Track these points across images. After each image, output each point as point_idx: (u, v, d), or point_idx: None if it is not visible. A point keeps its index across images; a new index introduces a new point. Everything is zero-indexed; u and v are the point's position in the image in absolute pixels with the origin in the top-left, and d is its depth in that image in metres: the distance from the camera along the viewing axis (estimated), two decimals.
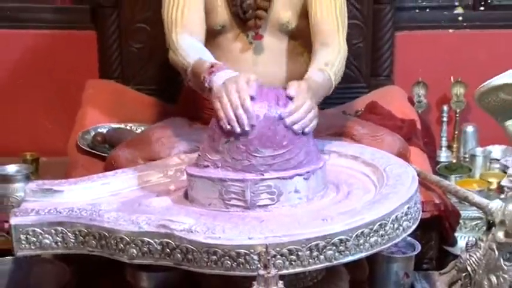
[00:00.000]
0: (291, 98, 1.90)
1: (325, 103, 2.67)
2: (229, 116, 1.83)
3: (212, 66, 1.98)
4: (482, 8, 3.09)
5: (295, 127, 1.86)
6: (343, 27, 2.30)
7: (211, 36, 2.35)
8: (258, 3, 2.31)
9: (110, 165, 2.22)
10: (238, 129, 1.83)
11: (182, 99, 2.56)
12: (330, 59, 2.19)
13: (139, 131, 2.57)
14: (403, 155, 2.27)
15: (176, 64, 2.18)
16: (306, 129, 1.88)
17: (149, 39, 2.90)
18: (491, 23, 3.08)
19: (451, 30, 3.09)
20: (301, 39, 2.38)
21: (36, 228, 1.84)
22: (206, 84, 1.96)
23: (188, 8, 2.25)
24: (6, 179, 2.64)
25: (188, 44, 2.18)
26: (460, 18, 3.09)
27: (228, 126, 1.83)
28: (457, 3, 3.11)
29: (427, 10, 3.11)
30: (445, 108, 3.07)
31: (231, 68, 2.02)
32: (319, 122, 2.29)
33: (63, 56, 3.07)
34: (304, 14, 2.33)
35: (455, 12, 3.10)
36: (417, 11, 3.10)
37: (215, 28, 2.34)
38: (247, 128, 1.83)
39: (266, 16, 2.32)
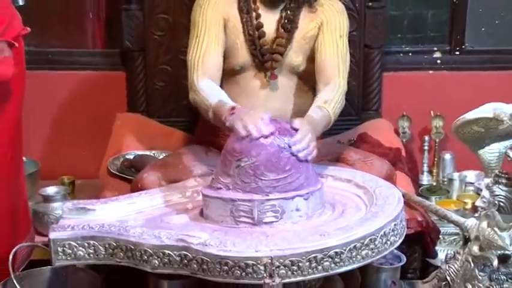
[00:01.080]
0: (296, 130, 1.92)
1: (324, 133, 2.70)
2: (248, 125, 1.86)
3: (233, 109, 2.00)
4: (457, 53, 3.10)
5: (300, 155, 1.87)
6: (344, 68, 2.31)
7: (231, 75, 2.36)
8: (274, 48, 2.33)
9: (136, 187, 2.21)
10: (255, 133, 1.84)
11: (199, 129, 2.56)
12: (330, 96, 2.20)
13: (161, 157, 2.57)
14: (390, 177, 2.27)
15: (197, 103, 2.20)
16: (309, 157, 1.89)
17: (170, 79, 2.91)
18: (465, 65, 3.09)
19: (430, 72, 3.09)
20: (308, 78, 2.39)
21: (71, 242, 1.85)
22: (228, 124, 1.97)
23: (209, 55, 2.26)
24: (46, 198, 2.67)
25: (208, 87, 2.19)
26: (439, 61, 3.10)
27: (247, 131, 1.85)
28: (435, 49, 3.12)
29: (410, 54, 3.12)
30: (426, 138, 3.07)
31: (247, 104, 2.06)
32: (318, 149, 2.32)
33: (96, 93, 3.08)
34: (311, 58, 2.35)
35: (434, 56, 3.10)
36: (401, 55, 3.10)
37: (235, 68, 2.35)
38: (265, 133, 1.85)
39: (281, 60, 2.33)
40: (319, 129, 2.09)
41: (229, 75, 2.35)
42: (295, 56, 2.35)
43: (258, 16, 2.33)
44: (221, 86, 2.29)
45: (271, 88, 2.36)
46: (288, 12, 2.32)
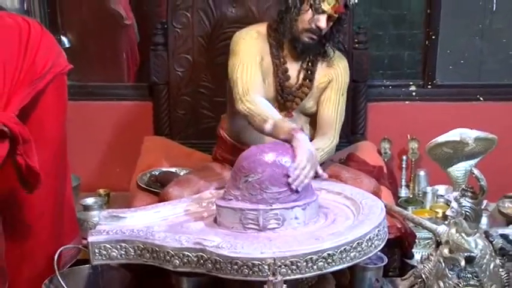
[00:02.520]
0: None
1: None
2: (300, 179, 1.85)
3: (301, 129, 2.00)
4: (429, 87, 3.09)
5: (295, 183, 1.85)
6: (339, 125, 2.35)
7: None
8: (297, 93, 2.33)
9: (163, 199, 2.21)
10: (296, 184, 1.84)
11: (216, 150, 2.53)
12: (322, 146, 2.25)
13: (182, 173, 2.56)
14: (376, 193, 2.26)
15: (252, 112, 2.11)
16: (299, 188, 1.86)
17: (190, 108, 2.91)
18: (436, 97, 3.08)
19: (407, 102, 3.09)
20: (310, 117, 2.41)
21: (106, 244, 1.85)
22: (293, 133, 1.93)
23: (256, 77, 2.21)
24: (86, 208, 2.67)
25: (265, 103, 2.15)
26: (414, 93, 3.09)
27: (294, 183, 1.84)
28: (411, 83, 3.11)
29: (390, 87, 3.11)
30: (404, 157, 3.06)
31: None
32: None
33: (128, 120, 3.09)
34: (318, 103, 2.37)
35: (410, 89, 3.10)
36: (383, 88, 3.10)
37: None
38: (299, 189, 1.85)
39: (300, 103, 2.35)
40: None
41: None
42: (308, 101, 2.36)
43: (285, 62, 2.32)
44: None
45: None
46: (309, 64, 2.33)
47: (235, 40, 2.30)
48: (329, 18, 2.19)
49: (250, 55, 2.24)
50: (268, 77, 2.30)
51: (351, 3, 2.22)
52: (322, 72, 2.35)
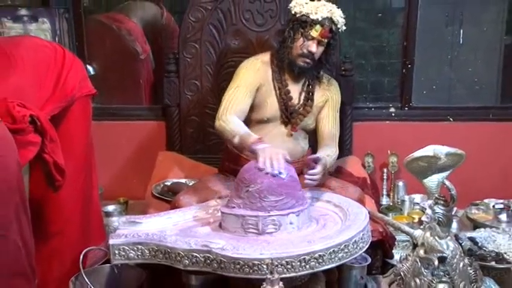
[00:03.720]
0: (316, 162, 2.06)
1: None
2: (266, 159, 1.88)
3: (259, 139, 2.04)
4: (406, 108, 3.09)
5: (308, 180, 2.01)
6: (337, 133, 2.42)
7: (259, 123, 2.35)
8: (301, 111, 2.35)
9: (174, 206, 2.20)
10: (272, 170, 1.86)
11: (221, 163, 2.52)
12: (329, 153, 2.29)
13: (191, 183, 2.55)
14: (361, 200, 2.26)
15: (223, 130, 2.18)
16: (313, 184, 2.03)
17: (198, 127, 2.91)
18: (412, 117, 3.08)
19: (387, 122, 3.09)
20: (307, 131, 2.43)
21: (125, 246, 1.85)
22: (252, 148, 2.00)
23: (241, 102, 2.25)
24: (107, 214, 2.67)
25: (238, 122, 2.19)
26: (393, 114, 3.09)
27: (266, 167, 1.86)
28: (391, 105, 3.11)
29: (373, 109, 3.12)
30: (385, 170, 3.06)
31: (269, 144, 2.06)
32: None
33: (144, 137, 3.08)
34: (316, 120, 2.41)
35: (390, 110, 3.10)
36: (366, 109, 3.11)
37: (263, 119, 2.34)
38: (279, 171, 1.87)
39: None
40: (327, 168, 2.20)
41: (256, 123, 2.35)
42: (309, 119, 2.39)
43: (287, 85, 2.34)
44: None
45: (287, 135, 2.37)
46: (309, 87, 2.36)
47: (239, 67, 2.36)
48: (319, 43, 2.25)
49: (245, 82, 2.28)
50: (268, 98, 2.33)
51: (337, 28, 2.27)
52: (319, 93, 2.39)
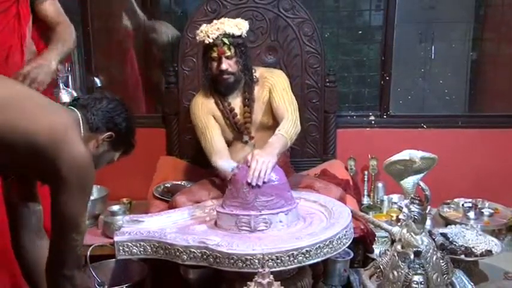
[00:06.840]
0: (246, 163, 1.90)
1: (298, 169, 2.69)
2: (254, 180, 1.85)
3: (237, 167, 1.96)
4: (385, 116, 3.10)
5: (253, 183, 1.84)
6: (292, 108, 2.22)
7: (229, 146, 2.31)
8: (243, 121, 2.29)
9: (172, 205, 2.20)
10: (257, 183, 1.84)
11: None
12: (282, 125, 2.14)
13: (188, 185, 2.54)
14: (342, 199, 2.26)
15: (221, 171, 2.16)
16: (259, 183, 1.85)
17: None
18: (390, 125, 3.09)
19: (368, 129, 3.09)
20: (271, 123, 2.33)
21: (128, 243, 1.84)
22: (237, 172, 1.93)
23: (215, 140, 2.24)
24: (112, 213, 2.65)
25: (225, 164, 2.12)
26: (373, 122, 3.10)
27: (253, 181, 1.84)
28: (370, 114, 3.12)
29: (354, 117, 3.12)
30: (366, 172, 3.05)
31: (240, 153, 2.06)
32: (296, 180, 2.31)
33: (146, 143, 2.95)
34: (271, 110, 2.29)
35: (370, 118, 3.11)
36: (348, 117, 3.11)
37: (228, 140, 2.33)
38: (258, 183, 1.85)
39: (252, 125, 2.32)
40: (276, 149, 2.01)
41: (229, 146, 2.31)
42: (262, 117, 2.32)
43: (229, 104, 2.30)
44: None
45: (250, 143, 2.34)
46: (246, 93, 2.30)
47: (190, 114, 2.34)
48: (227, 58, 2.18)
49: (202, 124, 2.27)
50: (221, 124, 2.31)
51: (238, 36, 2.18)
52: (260, 90, 2.30)
